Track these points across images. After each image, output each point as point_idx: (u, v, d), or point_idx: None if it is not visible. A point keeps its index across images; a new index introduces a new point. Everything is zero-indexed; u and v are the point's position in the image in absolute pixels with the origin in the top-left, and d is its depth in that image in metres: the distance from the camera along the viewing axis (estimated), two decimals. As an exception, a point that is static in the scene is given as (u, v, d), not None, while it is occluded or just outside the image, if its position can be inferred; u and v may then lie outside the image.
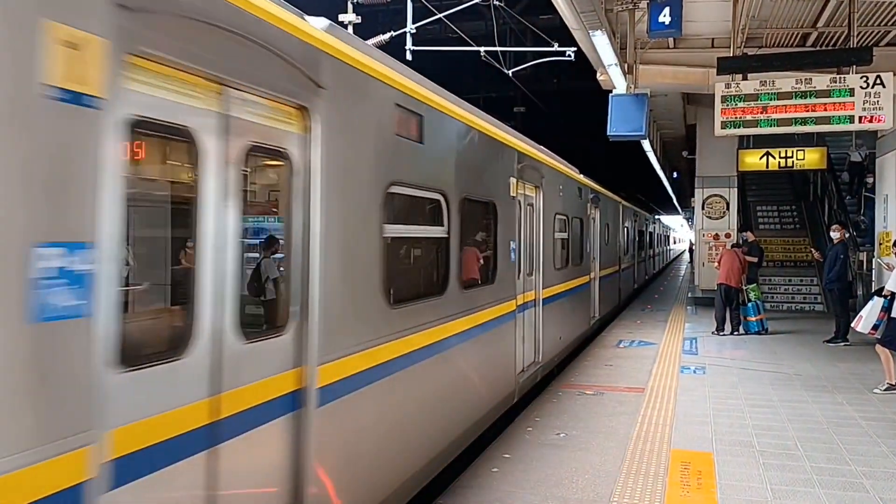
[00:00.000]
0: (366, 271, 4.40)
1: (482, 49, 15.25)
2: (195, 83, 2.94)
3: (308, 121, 3.71)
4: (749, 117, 10.82)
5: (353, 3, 13.52)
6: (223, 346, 3.10)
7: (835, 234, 13.17)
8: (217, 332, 3.06)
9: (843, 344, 12.39)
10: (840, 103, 10.36)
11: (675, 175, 33.68)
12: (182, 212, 3.17)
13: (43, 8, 2.19)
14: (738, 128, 11.01)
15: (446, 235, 5.85)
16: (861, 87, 10.31)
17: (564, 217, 10.92)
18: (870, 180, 16.95)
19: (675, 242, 67.15)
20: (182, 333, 2.94)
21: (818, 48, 13.05)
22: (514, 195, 8.04)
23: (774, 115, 10.69)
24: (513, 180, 7.97)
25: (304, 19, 3.86)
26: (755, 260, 15.38)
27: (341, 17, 12.97)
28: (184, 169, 3.19)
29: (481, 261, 7.13)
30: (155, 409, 2.70)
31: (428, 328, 5.32)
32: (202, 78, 2.97)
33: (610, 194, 17.04)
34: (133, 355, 2.65)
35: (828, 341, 12.63)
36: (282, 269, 3.76)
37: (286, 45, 3.51)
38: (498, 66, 16.14)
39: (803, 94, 10.53)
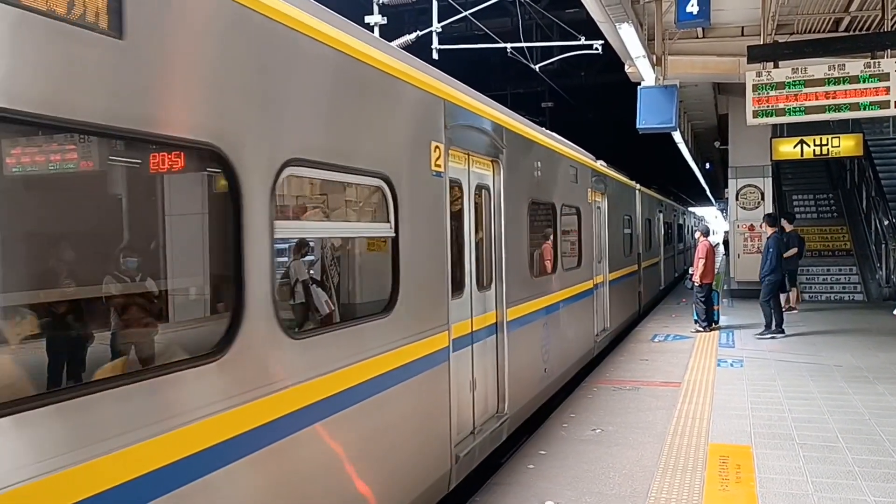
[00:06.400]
0: (522, 252, 6.98)
1: (508, 45, 15.20)
2: (460, 157, 5.67)
3: (497, 167, 6.39)
4: (781, 105, 10.65)
5: (378, 4, 13.57)
6: (472, 292, 5.84)
7: (763, 229, 12.86)
8: (470, 284, 5.80)
9: (770, 336, 12.14)
10: (874, 89, 10.15)
11: (707, 166, 33.21)
12: (459, 221, 5.69)
13: (431, 136, 4.96)
14: (771, 116, 10.84)
15: (554, 231, 8.46)
16: (896, 72, 10.10)
17: (619, 217, 13.33)
18: None
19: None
20: (462, 282, 5.68)
21: (851, 33, 12.80)
22: (591, 202, 10.47)
23: (807, 103, 10.51)
24: (589, 191, 10.39)
25: (493, 107, 6.53)
26: (794, 252, 15.06)
27: (367, 19, 13.02)
28: (459, 200, 5.75)
29: (573, 250, 9.58)
30: (458, 319, 5.45)
31: (547, 295, 7.90)
32: (462, 153, 5.67)
33: (646, 190, 17.28)
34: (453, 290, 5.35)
35: (759, 335, 12.30)
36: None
37: (493, 129, 6.30)
38: (525, 61, 16.08)
39: (836, 81, 10.33)
